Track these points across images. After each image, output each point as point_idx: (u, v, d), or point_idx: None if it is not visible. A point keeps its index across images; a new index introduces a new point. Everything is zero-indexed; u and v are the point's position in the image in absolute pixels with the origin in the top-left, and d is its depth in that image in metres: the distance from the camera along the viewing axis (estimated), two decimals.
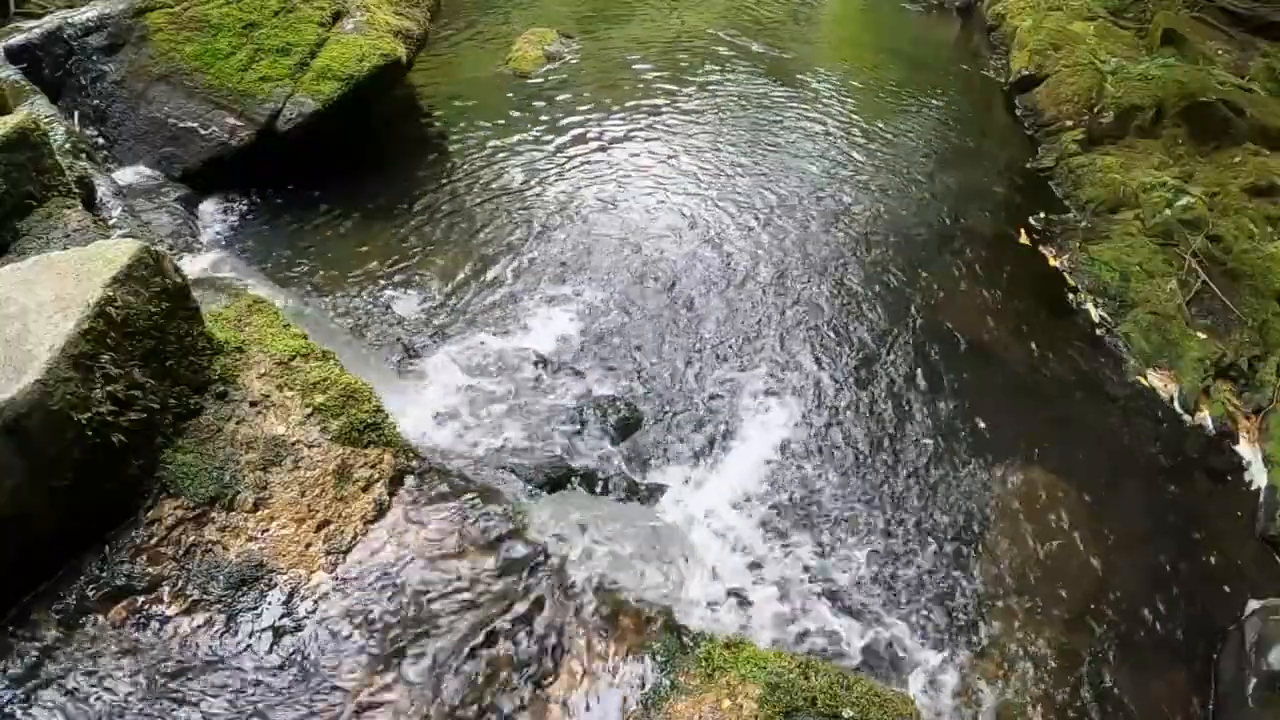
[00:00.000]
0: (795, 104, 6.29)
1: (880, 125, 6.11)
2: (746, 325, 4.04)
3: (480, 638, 2.10)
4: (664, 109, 5.97)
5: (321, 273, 4.05)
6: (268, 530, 2.16)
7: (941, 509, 3.30)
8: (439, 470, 2.49)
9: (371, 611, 2.09)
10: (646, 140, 5.55)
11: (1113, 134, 5.76)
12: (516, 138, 5.38)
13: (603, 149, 5.39)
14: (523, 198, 4.80)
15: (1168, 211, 4.93)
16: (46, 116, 3.62)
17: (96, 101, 4.36)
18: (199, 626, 1.99)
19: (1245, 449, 3.81)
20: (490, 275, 4.17)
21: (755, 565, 2.96)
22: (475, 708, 1.99)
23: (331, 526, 2.22)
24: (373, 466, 2.37)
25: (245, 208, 4.39)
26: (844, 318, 4.18)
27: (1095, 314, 4.46)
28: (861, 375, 3.86)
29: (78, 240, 2.76)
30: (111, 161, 4.22)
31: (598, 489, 3.10)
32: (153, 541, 2.08)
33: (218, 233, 4.22)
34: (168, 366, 2.23)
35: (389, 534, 2.26)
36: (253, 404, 2.37)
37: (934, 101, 6.56)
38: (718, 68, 6.73)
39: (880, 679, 2.59)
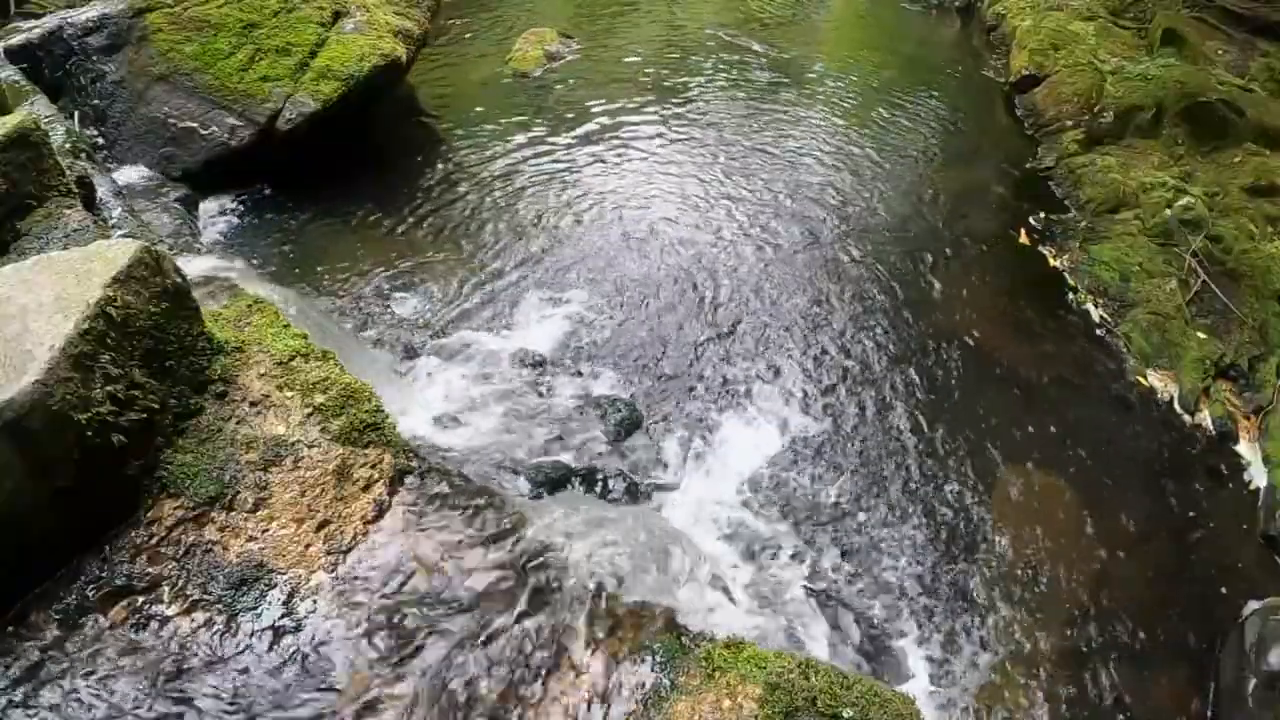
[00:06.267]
0: (795, 104, 6.29)
1: (880, 124, 6.11)
2: (746, 324, 4.04)
3: (480, 638, 2.10)
4: (664, 109, 5.97)
5: (321, 273, 4.05)
6: (268, 530, 2.16)
7: (941, 509, 3.30)
8: (439, 470, 2.49)
9: (371, 612, 2.09)
10: (646, 140, 5.55)
11: (1113, 134, 5.75)
12: (516, 138, 5.38)
13: (603, 149, 5.39)
14: (523, 198, 4.80)
15: (1168, 211, 4.93)
16: (46, 116, 3.62)
17: (96, 101, 4.36)
18: (199, 626, 1.99)
19: (1245, 449, 3.80)
20: (490, 275, 4.17)
21: (755, 564, 2.96)
22: (475, 708, 1.99)
23: (331, 526, 2.22)
24: (373, 466, 2.37)
25: (245, 208, 4.39)
26: (844, 317, 4.18)
27: (1095, 314, 4.46)
28: (861, 375, 3.85)
29: (78, 240, 2.76)
30: (111, 161, 4.22)
31: (597, 489, 3.10)
32: (153, 541, 2.08)
33: (218, 233, 4.22)
34: (168, 366, 2.23)
35: (389, 534, 2.26)
36: (253, 404, 2.37)
37: (934, 101, 6.55)
38: (718, 67, 6.73)
39: (880, 679, 2.59)
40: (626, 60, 6.68)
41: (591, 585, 2.29)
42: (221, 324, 2.54)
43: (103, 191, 3.51)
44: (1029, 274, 4.73)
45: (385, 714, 1.93)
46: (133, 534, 2.08)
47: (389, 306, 3.89)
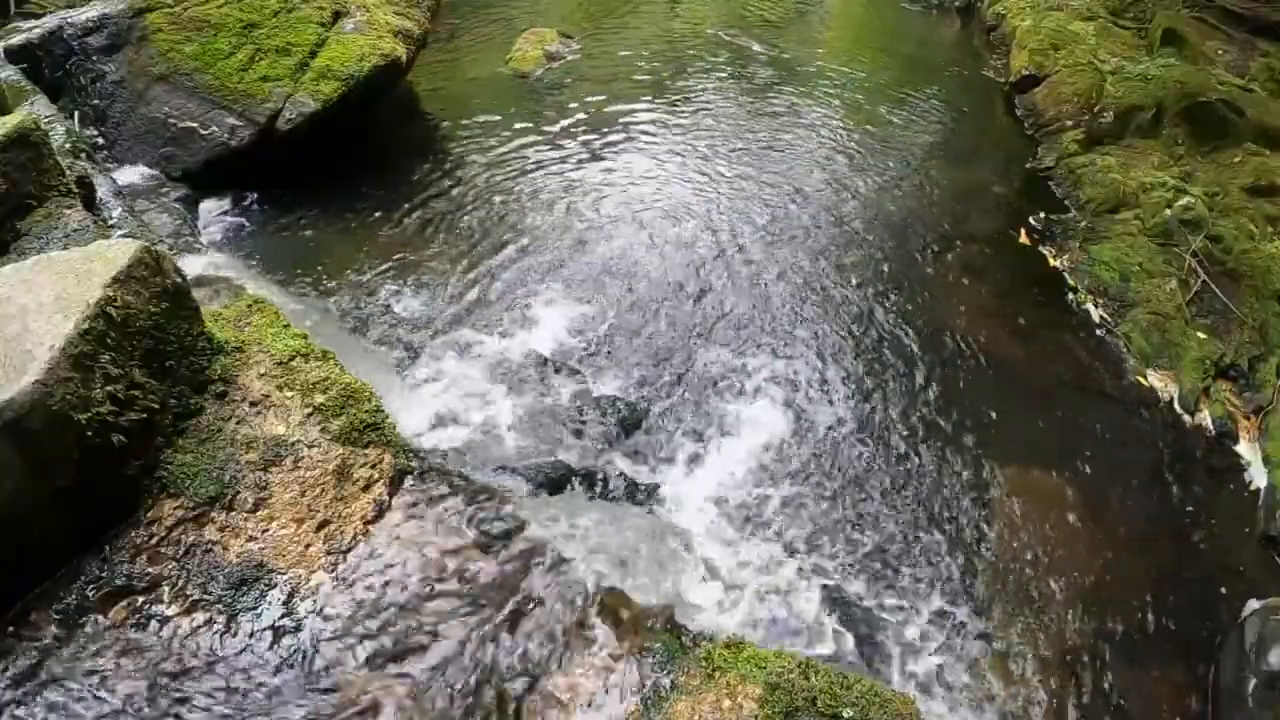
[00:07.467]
0: (794, 104, 6.29)
1: (879, 125, 6.11)
2: (746, 324, 4.04)
3: (480, 638, 2.10)
4: (663, 109, 5.97)
5: (321, 273, 4.05)
6: (268, 530, 2.16)
7: (941, 509, 3.30)
8: (439, 470, 2.49)
9: (371, 612, 2.09)
10: (646, 141, 5.55)
11: (1113, 134, 5.76)
12: (516, 138, 5.38)
13: (603, 149, 5.39)
14: (522, 198, 4.80)
15: (1168, 211, 4.93)
16: (46, 116, 3.62)
17: (96, 101, 4.36)
18: (199, 626, 1.99)
19: (1245, 449, 3.80)
20: (490, 275, 4.17)
21: (755, 564, 2.95)
22: (475, 708, 1.99)
23: (331, 526, 2.22)
24: (373, 466, 2.37)
25: (245, 208, 4.38)
26: (844, 316, 4.18)
27: (1095, 314, 4.46)
28: (861, 375, 3.85)
29: (78, 240, 2.76)
30: (111, 161, 4.22)
31: (598, 489, 3.10)
32: (153, 541, 2.08)
33: (218, 233, 4.21)
34: (168, 366, 2.23)
35: (389, 534, 2.26)
36: (253, 404, 2.37)
37: (934, 101, 6.55)
38: (718, 67, 6.73)
39: (880, 679, 2.59)
40: (626, 60, 6.68)
41: (591, 585, 2.29)
42: (221, 324, 2.55)
43: (103, 191, 3.51)
44: (1029, 274, 4.73)
45: (385, 714, 1.93)
46: (133, 534, 2.08)
47: (389, 306, 3.89)
